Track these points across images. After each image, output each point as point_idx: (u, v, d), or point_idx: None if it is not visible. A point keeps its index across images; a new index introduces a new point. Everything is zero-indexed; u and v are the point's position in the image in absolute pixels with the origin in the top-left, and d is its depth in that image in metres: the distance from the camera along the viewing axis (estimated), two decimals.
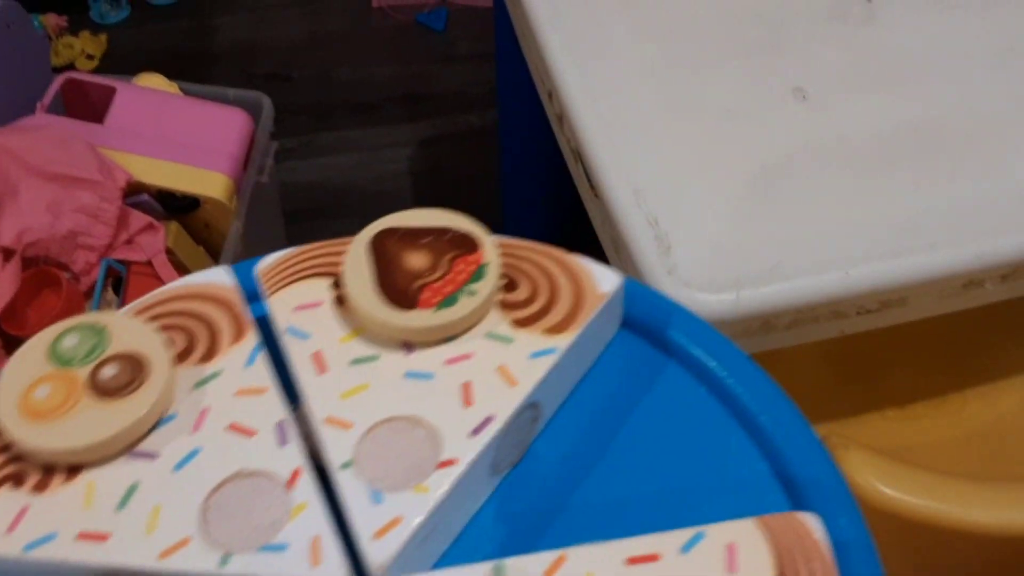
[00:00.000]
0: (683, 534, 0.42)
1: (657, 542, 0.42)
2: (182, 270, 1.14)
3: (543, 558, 0.41)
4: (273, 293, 0.50)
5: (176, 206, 1.18)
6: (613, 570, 0.41)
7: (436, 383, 0.46)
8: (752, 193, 0.62)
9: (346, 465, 0.44)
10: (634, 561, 0.41)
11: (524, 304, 0.49)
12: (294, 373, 0.47)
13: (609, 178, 0.62)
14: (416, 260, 0.49)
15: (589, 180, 0.65)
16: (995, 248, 0.62)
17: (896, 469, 0.59)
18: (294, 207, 1.51)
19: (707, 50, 0.75)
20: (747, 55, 0.74)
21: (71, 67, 1.84)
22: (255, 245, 1.18)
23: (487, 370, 0.47)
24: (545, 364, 0.47)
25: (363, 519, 0.42)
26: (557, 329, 0.48)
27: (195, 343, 0.48)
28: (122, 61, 1.81)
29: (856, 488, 0.58)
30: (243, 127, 1.21)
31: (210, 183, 1.15)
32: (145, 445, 0.44)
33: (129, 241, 1.10)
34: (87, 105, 1.22)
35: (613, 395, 0.50)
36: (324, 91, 1.78)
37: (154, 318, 0.48)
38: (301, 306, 0.49)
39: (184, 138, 1.16)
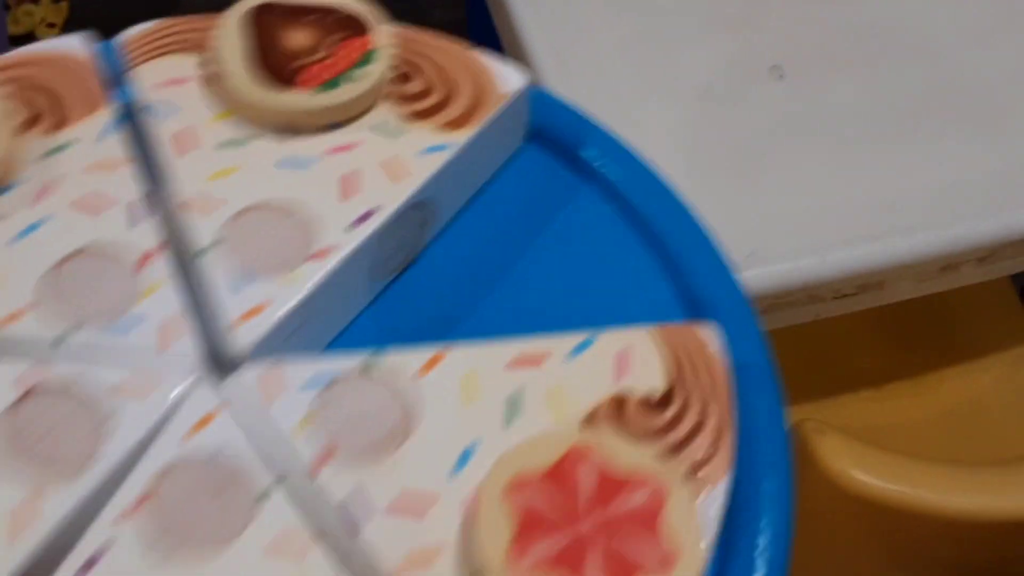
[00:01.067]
0: (572, 339, 0.39)
1: (544, 344, 0.39)
2: None
3: (419, 354, 0.38)
4: (136, 66, 0.44)
5: None
6: (495, 370, 0.38)
7: (314, 172, 0.42)
8: (728, 177, 0.61)
9: (207, 249, 0.39)
10: (519, 363, 0.38)
11: (417, 97, 0.45)
12: (154, 151, 0.42)
13: None
14: (297, 39, 0.44)
15: None
16: (973, 231, 0.62)
17: (871, 454, 0.59)
18: None
19: (683, 25, 0.73)
20: (724, 31, 0.72)
21: (31, 36, 1.69)
22: None
23: (372, 162, 0.43)
24: (437, 160, 0.43)
25: (223, 304, 0.38)
26: (452, 126, 0.44)
27: (43, 113, 0.42)
28: (84, 29, 1.65)
29: (832, 475, 0.58)
30: None
31: None
32: None
33: None
34: None
35: (514, 208, 0.47)
36: None
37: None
38: (166, 82, 0.44)
39: None
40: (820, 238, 0.58)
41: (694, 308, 0.44)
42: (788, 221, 0.59)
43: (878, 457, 0.59)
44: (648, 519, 0.33)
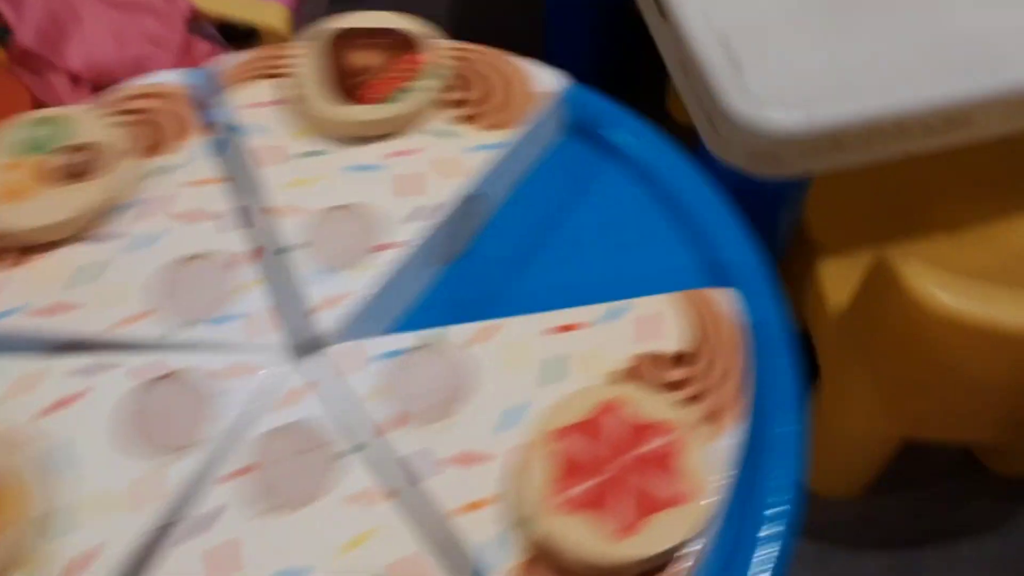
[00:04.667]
0: (604, 307, 0.45)
1: (579, 314, 0.44)
2: None
3: (472, 328, 0.44)
4: (225, 92, 0.51)
5: (235, 36, 1.19)
6: (537, 337, 0.44)
7: (380, 174, 0.49)
8: (823, 10, 0.61)
9: (294, 247, 0.46)
10: (556, 330, 0.44)
11: (468, 103, 0.51)
12: (244, 166, 0.49)
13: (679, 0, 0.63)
14: (361, 59, 0.50)
15: (657, 2, 0.65)
16: None
17: (954, 279, 0.61)
18: None
19: None
20: None
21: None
22: None
23: (430, 162, 0.49)
24: (487, 157, 0.49)
25: (310, 293, 0.45)
26: (499, 126, 0.50)
27: (149, 137, 0.50)
28: None
29: (917, 297, 0.60)
30: None
31: (269, 13, 1.15)
32: (103, 228, 0.47)
33: None
34: None
35: (554, 193, 0.53)
36: None
37: (111, 114, 0.50)
38: (252, 104, 0.51)
39: None
40: (914, 72, 0.59)
41: (716, 275, 0.49)
42: (882, 55, 0.59)
43: (959, 281, 0.61)
44: (670, 459, 0.39)
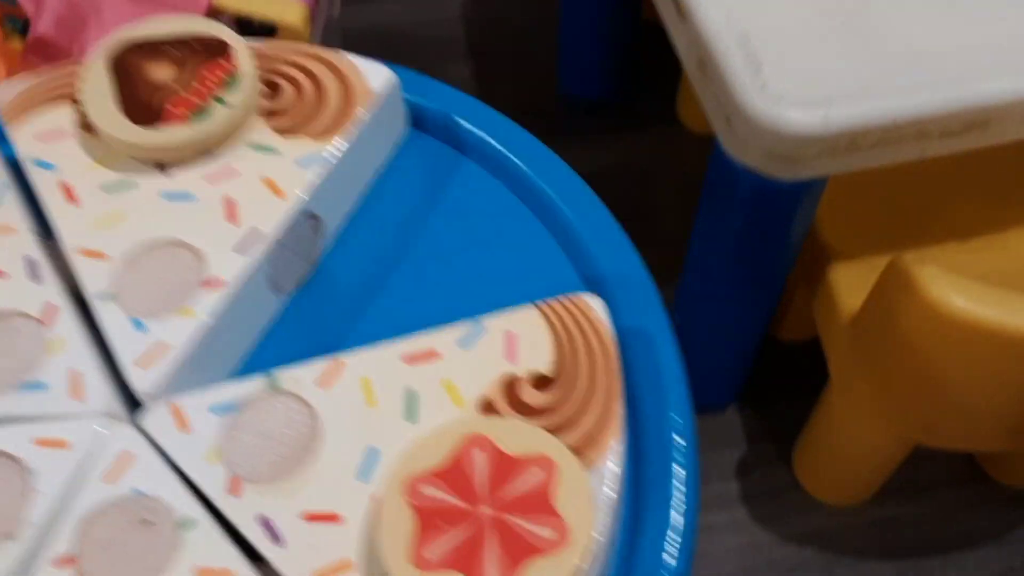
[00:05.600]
0: (461, 328, 0.41)
1: (435, 339, 0.41)
2: None
3: (317, 366, 0.40)
4: (13, 122, 0.45)
5: (253, 32, 1.13)
6: (391, 370, 0.40)
7: (196, 203, 0.43)
8: (843, 11, 0.61)
9: (105, 296, 0.41)
10: (413, 360, 0.40)
11: (287, 112, 0.46)
12: (43, 206, 0.43)
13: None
14: (160, 72, 0.45)
15: (676, 2, 0.63)
16: None
17: (968, 284, 0.61)
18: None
19: None
20: None
21: None
22: None
23: (251, 184, 0.44)
24: (315, 171, 0.44)
25: (125, 348, 0.40)
26: (326, 133, 0.45)
27: None
28: None
29: (931, 301, 0.60)
30: None
31: (287, 10, 1.11)
32: None
33: None
34: None
35: (406, 201, 0.48)
36: None
37: None
38: (44, 134, 0.45)
39: None
40: (932, 74, 0.59)
41: (590, 282, 0.45)
42: (901, 57, 0.60)
43: (974, 285, 0.61)
44: (542, 498, 0.35)
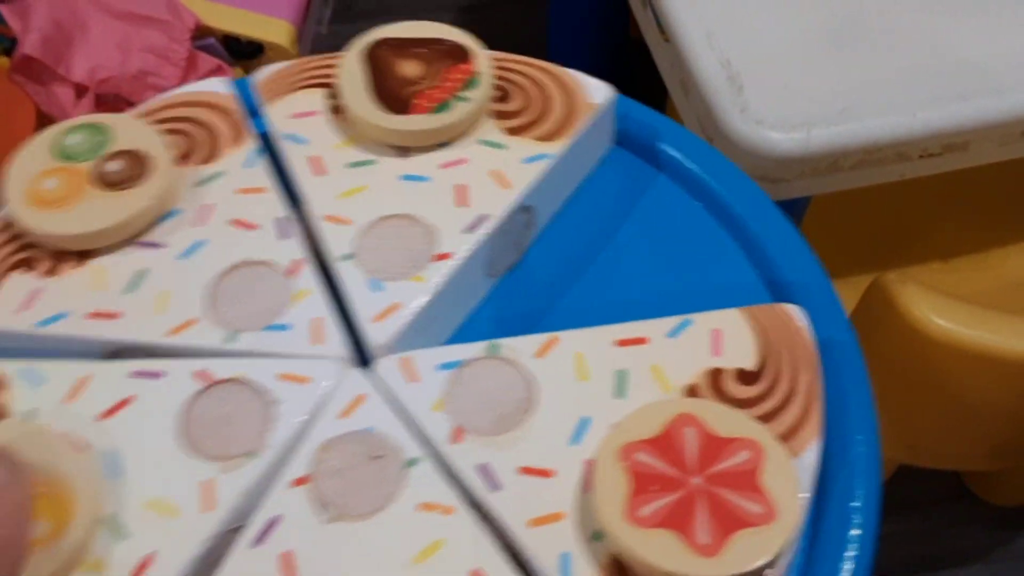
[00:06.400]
0: (671, 321, 0.44)
1: (645, 327, 0.43)
2: None
3: (535, 339, 0.43)
4: (270, 102, 0.50)
5: (240, 52, 1.18)
6: (602, 350, 0.43)
7: (431, 185, 0.48)
8: (823, 35, 0.63)
9: (346, 257, 0.45)
10: (623, 343, 0.43)
11: (516, 114, 0.50)
12: (293, 175, 0.48)
13: (681, 21, 0.63)
14: (409, 69, 0.50)
15: (659, 24, 0.65)
16: None
17: (950, 303, 0.61)
18: None
19: None
20: None
21: None
22: None
23: (481, 173, 0.48)
24: (537, 168, 0.48)
25: (363, 304, 0.44)
26: (549, 137, 0.49)
27: (195, 146, 0.48)
28: None
29: (912, 320, 0.60)
30: None
31: (274, 29, 1.15)
32: (151, 236, 0.45)
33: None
34: None
35: (606, 207, 0.52)
36: None
37: (156, 122, 0.49)
38: (298, 114, 0.50)
39: None
40: (912, 96, 0.60)
41: (778, 291, 0.48)
42: (881, 79, 0.61)
43: (956, 305, 0.61)
44: (749, 476, 0.37)
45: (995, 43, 0.64)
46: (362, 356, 0.44)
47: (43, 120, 0.81)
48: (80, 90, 1.00)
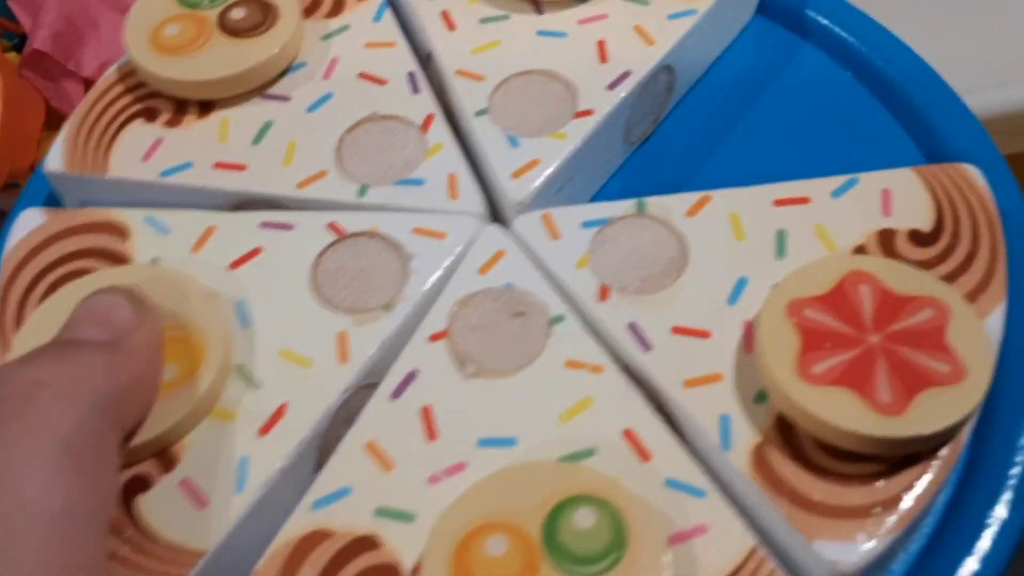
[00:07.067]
0: (835, 180, 0.40)
1: (807, 186, 0.40)
2: None
3: (687, 197, 0.40)
4: None
5: None
6: (760, 210, 0.39)
7: (569, 41, 0.44)
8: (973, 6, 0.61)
9: (481, 112, 0.42)
10: (782, 203, 0.40)
11: None
12: (422, 30, 0.45)
13: None
14: None
15: None
16: None
17: None
18: None
19: None
20: None
21: None
22: None
23: (622, 29, 0.45)
24: (682, 25, 0.45)
25: (500, 161, 0.41)
26: None
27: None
28: None
29: None
30: None
31: None
32: (277, 88, 0.43)
33: None
34: None
35: (748, 76, 0.48)
36: None
37: None
38: None
39: None
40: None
41: (941, 159, 0.44)
42: None
43: None
44: (934, 335, 0.34)
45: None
46: (495, 214, 0.41)
47: (53, 115, 0.79)
48: (90, 85, 0.99)
